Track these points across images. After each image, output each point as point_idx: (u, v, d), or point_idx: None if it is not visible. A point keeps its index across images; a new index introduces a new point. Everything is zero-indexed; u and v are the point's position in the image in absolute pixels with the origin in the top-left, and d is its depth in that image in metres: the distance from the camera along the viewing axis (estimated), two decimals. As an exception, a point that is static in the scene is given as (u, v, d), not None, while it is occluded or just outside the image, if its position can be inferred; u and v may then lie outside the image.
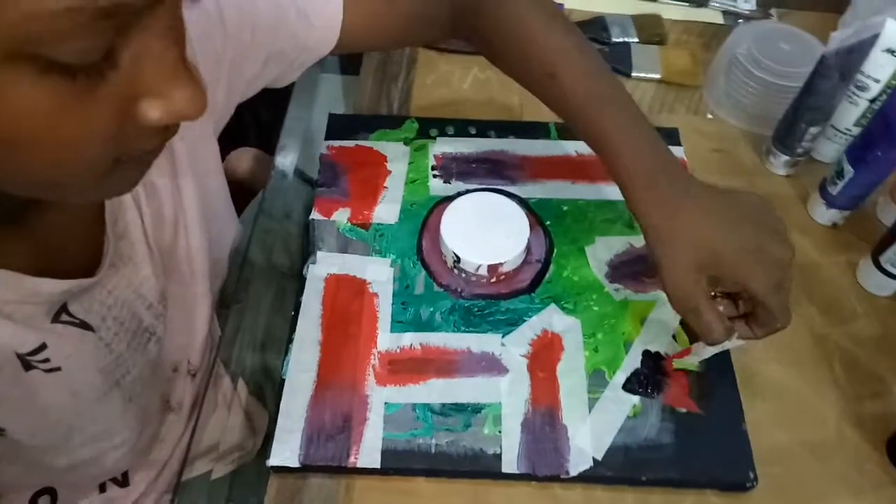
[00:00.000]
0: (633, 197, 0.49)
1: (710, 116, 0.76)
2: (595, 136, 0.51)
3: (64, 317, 0.42)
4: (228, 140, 1.12)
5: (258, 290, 0.65)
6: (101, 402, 0.47)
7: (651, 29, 0.82)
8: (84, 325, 0.43)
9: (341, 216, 0.63)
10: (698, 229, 0.46)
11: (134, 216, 0.47)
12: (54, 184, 0.32)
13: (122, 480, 0.58)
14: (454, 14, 0.57)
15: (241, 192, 0.99)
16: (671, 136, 0.71)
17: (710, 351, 0.52)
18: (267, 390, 0.60)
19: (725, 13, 0.86)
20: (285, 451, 0.50)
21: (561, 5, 0.84)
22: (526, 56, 0.53)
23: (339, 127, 0.70)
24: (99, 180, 0.33)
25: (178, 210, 0.51)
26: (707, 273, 0.46)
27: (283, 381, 0.54)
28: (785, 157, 0.70)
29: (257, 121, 1.34)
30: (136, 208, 0.47)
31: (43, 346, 0.41)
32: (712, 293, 0.48)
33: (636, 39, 0.81)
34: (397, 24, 0.57)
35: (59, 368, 0.42)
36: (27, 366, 0.40)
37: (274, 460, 0.50)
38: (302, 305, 0.58)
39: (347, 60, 0.87)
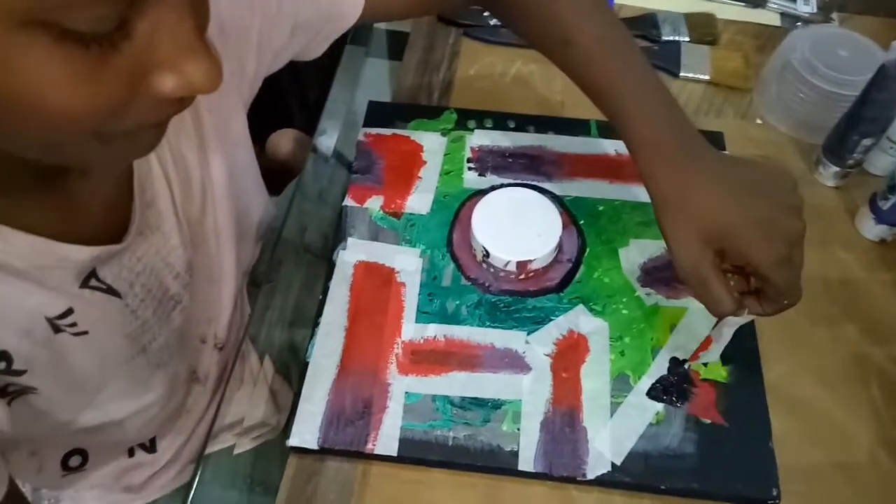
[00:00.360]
0: (642, 165, 0.48)
1: (759, 122, 0.74)
2: (607, 104, 0.50)
3: (93, 282, 0.43)
4: (273, 121, 1.14)
5: (290, 270, 0.65)
6: (128, 365, 0.48)
7: (704, 28, 0.80)
8: (111, 291, 0.44)
9: (374, 204, 0.64)
10: (706, 199, 0.45)
11: (162, 185, 0.47)
12: (65, 149, 0.32)
13: (150, 446, 0.59)
14: None
15: (282, 172, 1.00)
16: (715, 141, 0.69)
17: (728, 334, 0.51)
18: (293, 369, 0.61)
19: (783, 15, 0.83)
20: (305, 433, 0.51)
21: (611, 1, 0.82)
22: (540, 22, 0.53)
23: (378, 114, 0.70)
24: (110, 148, 0.33)
25: (206, 181, 0.51)
26: (714, 244, 0.45)
27: (306, 364, 0.55)
28: (835, 168, 0.67)
29: (302, 103, 1.36)
30: (165, 178, 0.48)
31: (70, 311, 0.42)
32: (724, 269, 0.47)
33: (687, 38, 0.79)
34: None
35: (86, 332, 0.43)
36: (56, 329, 0.42)
37: (293, 441, 0.51)
38: (329, 291, 0.58)
39: (394, 45, 0.87)
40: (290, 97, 1.31)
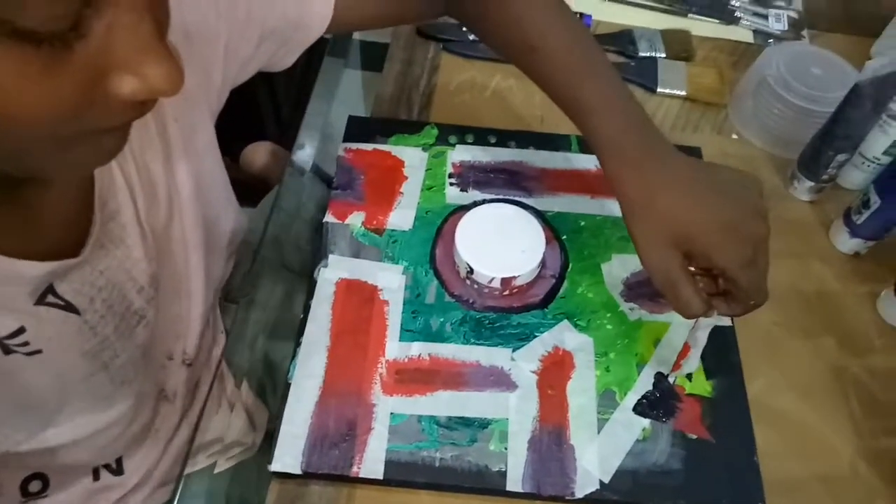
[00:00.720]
0: (609, 170, 0.49)
1: (734, 137, 0.75)
2: (574, 110, 0.51)
3: (50, 298, 0.41)
4: (247, 133, 1.12)
5: (266, 287, 0.64)
6: (87, 383, 0.46)
7: (679, 45, 0.81)
8: (69, 308, 0.43)
9: (355, 220, 0.63)
10: (672, 203, 0.46)
11: (126, 197, 0.46)
12: (24, 157, 0.31)
13: (116, 468, 0.57)
14: None
15: (257, 186, 0.99)
16: (694, 156, 0.70)
17: (703, 337, 0.52)
18: (268, 387, 0.60)
19: (756, 32, 0.85)
20: (287, 458, 0.50)
21: (588, 17, 0.83)
22: (509, 29, 0.53)
23: (358, 129, 0.70)
24: (70, 155, 0.32)
25: (173, 191, 0.50)
26: (681, 247, 0.46)
27: (287, 384, 0.53)
28: (809, 183, 0.68)
29: (277, 115, 1.34)
30: (128, 189, 0.46)
31: (21, 330, 0.40)
32: (693, 272, 0.48)
33: (663, 55, 0.80)
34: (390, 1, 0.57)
35: (39, 351, 0.41)
36: (6, 350, 0.40)
37: (276, 465, 0.49)
38: (311, 309, 0.57)
39: (372, 57, 0.86)
40: (264, 109, 1.30)
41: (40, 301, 0.41)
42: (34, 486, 0.52)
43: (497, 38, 0.56)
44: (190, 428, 0.63)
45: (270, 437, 0.59)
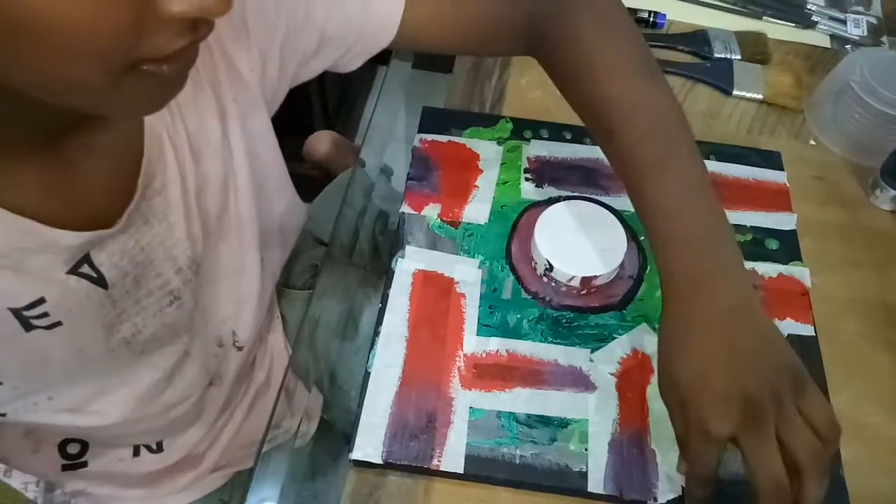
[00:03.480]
0: (663, 295, 0.46)
1: (812, 143, 0.73)
2: (641, 212, 0.48)
3: (84, 268, 0.41)
4: (295, 125, 1.13)
5: (329, 279, 0.64)
6: (108, 357, 0.46)
7: (755, 47, 0.79)
8: (100, 281, 0.42)
9: (431, 212, 0.62)
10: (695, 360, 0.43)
11: (174, 174, 0.45)
12: (67, 82, 0.31)
13: (156, 448, 0.57)
14: (531, 33, 0.53)
15: (319, 174, 0.99)
16: (773, 160, 0.68)
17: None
18: (325, 376, 0.60)
19: (833, 37, 0.83)
20: (368, 447, 0.50)
21: (662, 15, 0.81)
22: (589, 106, 0.50)
23: (433, 121, 0.69)
24: (118, 89, 0.32)
25: (229, 173, 0.49)
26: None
27: (367, 374, 0.53)
28: (893, 192, 0.66)
29: (324, 108, 1.35)
30: (178, 166, 0.45)
31: (41, 300, 0.40)
32: None
33: (738, 56, 0.79)
34: (465, 27, 0.54)
35: (59, 323, 0.41)
36: (26, 325, 0.40)
37: (357, 454, 0.49)
38: (389, 299, 0.57)
39: (440, 57, 0.85)
40: (313, 101, 1.30)
41: (74, 270, 0.41)
42: (73, 447, 0.53)
43: (578, 109, 0.53)
44: (243, 413, 0.64)
45: (324, 426, 0.60)
